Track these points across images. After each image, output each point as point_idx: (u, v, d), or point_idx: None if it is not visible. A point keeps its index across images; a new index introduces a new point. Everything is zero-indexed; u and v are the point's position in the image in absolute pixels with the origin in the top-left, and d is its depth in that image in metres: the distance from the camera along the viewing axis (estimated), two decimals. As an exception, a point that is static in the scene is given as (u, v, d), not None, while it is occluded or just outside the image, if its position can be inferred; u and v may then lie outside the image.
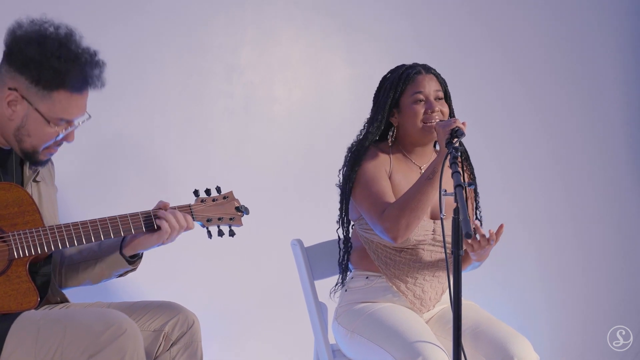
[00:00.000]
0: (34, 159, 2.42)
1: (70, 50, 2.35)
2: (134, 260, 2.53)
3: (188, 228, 2.48)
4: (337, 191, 3.02)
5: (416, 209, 2.76)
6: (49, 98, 2.34)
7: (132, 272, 2.57)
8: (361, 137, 2.98)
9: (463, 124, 2.74)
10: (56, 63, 2.32)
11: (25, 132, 2.37)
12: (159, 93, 3.58)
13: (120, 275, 2.57)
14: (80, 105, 2.39)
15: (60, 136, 2.40)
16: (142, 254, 2.55)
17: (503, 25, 4.31)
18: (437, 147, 3.04)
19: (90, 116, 2.43)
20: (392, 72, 3.00)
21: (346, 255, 3.00)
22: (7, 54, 2.36)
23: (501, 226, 2.75)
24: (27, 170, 2.47)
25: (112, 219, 2.42)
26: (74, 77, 2.34)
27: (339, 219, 3.00)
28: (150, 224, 2.45)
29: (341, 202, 2.98)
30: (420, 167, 2.97)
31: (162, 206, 2.47)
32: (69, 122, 2.39)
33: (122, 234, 2.43)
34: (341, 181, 2.97)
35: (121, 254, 2.50)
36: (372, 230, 2.89)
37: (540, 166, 4.39)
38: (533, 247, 4.36)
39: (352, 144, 2.99)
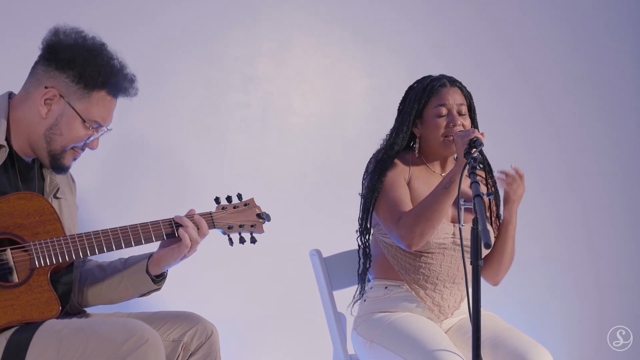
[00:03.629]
0: (59, 163, 2.42)
1: (109, 54, 2.42)
2: (159, 280, 2.53)
3: (202, 232, 2.47)
4: (354, 201, 3.01)
5: (432, 218, 2.76)
6: (88, 98, 2.39)
7: (155, 292, 2.57)
8: (388, 146, 2.96)
9: (482, 134, 2.74)
10: (100, 62, 2.38)
11: (57, 132, 2.39)
12: (176, 104, 3.59)
13: (143, 295, 2.56)
14: (111, 111, 2.45)
15: (90, 139, 2.43)
16: (166, 273, 2.55)
17: (518, 36, 4.31)
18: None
19: (111, 129, 2.47)
20: (418, 82, 3.00)
21: (366, 266, 2.99)
22: (47, 53, 2.40)
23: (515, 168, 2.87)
24: (47, 186, 2.47)
25: (133, 226, 2.42)
26: (113, 79, 2.40)
27: (360, 228, 2.98)
28: (171, 231, 2.45)
29: (364, 210, 2.95)
30: (441, 175, 2.97)
31: (189, 213, 2.48)
32: (99, 127, 2.42)
33: (143, 242, 2.42)
34: (365, 189, 2.94)
35: (147, 273, 2.50)
36: (391, 236, 2.89)
37: (553, 175, 4.39)
38: (543, 253, 4.36)
39: (378, 152, 2.98)
